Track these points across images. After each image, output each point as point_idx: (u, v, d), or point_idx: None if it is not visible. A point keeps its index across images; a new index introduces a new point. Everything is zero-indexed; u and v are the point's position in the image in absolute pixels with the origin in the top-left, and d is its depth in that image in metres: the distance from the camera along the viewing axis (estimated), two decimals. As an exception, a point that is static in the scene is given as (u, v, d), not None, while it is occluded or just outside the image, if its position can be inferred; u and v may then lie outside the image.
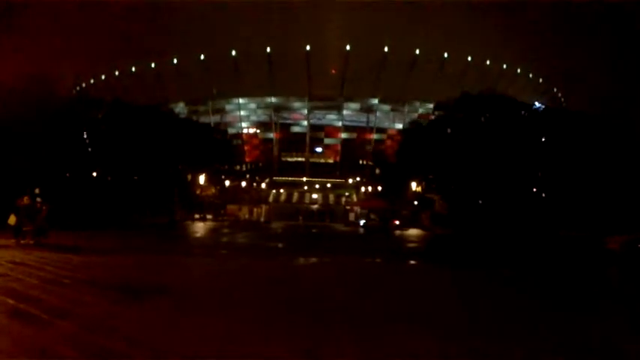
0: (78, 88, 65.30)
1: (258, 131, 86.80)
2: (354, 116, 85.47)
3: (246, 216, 65.17)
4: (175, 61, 79.66)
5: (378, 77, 76.99)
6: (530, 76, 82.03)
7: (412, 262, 17.64)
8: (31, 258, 13.52)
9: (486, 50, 77.23)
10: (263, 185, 76.29)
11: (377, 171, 63.32)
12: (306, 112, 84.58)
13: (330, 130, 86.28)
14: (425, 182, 48.35)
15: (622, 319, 8.29)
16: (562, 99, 79.42)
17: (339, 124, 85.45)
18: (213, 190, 59.05)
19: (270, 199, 75.92)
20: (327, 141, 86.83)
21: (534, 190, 39.15)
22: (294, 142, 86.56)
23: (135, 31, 69.39)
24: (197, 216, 54.23)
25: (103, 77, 78.86)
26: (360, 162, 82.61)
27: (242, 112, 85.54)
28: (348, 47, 75.62)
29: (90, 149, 38.77)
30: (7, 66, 27.40)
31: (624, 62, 67.39)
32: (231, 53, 77.47)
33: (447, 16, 74.18)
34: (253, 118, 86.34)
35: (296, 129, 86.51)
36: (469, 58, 78.00)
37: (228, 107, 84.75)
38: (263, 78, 78.06)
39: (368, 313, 8.01)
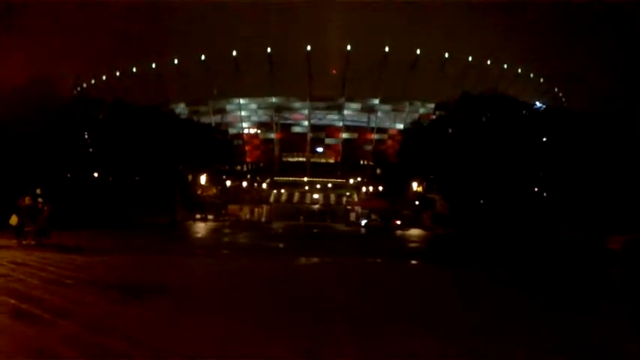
0: (79, 88, 65.36)
1: (259, 131, 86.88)
2: (354, 116, 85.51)
3: (247, 216, 65.27)
4: (176, 61, 79.76)
5: (379, 77, 77.02)
6: (531, 75, 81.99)
7: (413, 262, 17.65)
8: (32, 258, 13.55)
9: (487, 50, 77.21)
10: (264, 185, 76.34)
11: (378, 171, 63.35)
12: (306, 112, 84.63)
13: (331, 130, 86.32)
14: (426, 182, 48.35)
15: (622, 319, 8.29)
16: (563, 99, 79.35)
17: (340, 124, 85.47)
18: (214, 191, 59.12)
19: (271, 199, 76.00)
20: (327, 141, 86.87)
21: (535, 189, 39.12)
22: (295, 143, 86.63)
23: (136, 32, 69.41)
24: (198, 216, 54.31)
25: (103, 78, 78.99)
26: (361, 162, 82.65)
27: (243, 113, 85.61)
28: (348, 47, 75.66)
29: (91, 149, 38.82)
30: (7, 66, 27.45)
31: (624, 62, 67.29)
32: (231, 54, 77.56)
33: (447, 16, 74.12)
34: (254, 118, 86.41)
35: (297, 129, 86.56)
36: (470, 58, 78.00)
37: (229, 107, 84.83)
38: (264, 78, 78.13)
39: (368, 313, 8.02)
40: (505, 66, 79.63)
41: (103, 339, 5.78)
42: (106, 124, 40.74)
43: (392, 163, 56.12)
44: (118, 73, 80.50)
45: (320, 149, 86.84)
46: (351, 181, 79.32)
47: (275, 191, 78.82)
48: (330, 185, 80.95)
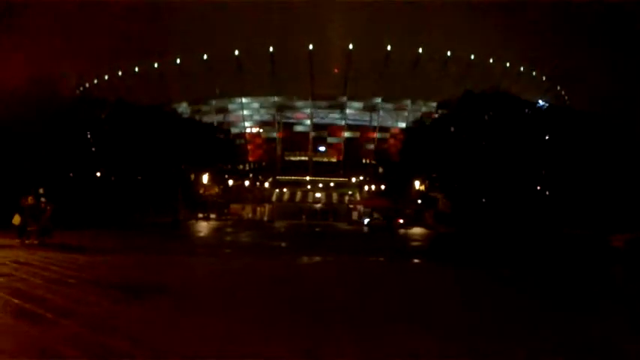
0: (81, 88, 65.45)
1: (261, 130, 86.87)
2: (357, 115, 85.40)
3: (250, 215, 65.27)
4: (178, 60, 79.78)
5: (381, 76, 76.87)
6: (534, 74, 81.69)
7: (416, 260, 17.65)
8: (35, 258, 13.61)
9: (489, 48, 76.98)
10: (266, 184, 76.32)
11: (380, 170, 63.30)
12: (309, 111, 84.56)
13: (333, 129, 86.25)
14: (428, 181, 48.29)
15: (623, 318, 8.28)
16: (566, 97, 79.08)
17: (342, 123, 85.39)
18: (216, 190, 59.16)
19: (274, 198, 76.01)
20: (330, 140, 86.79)
21: (538, 188, 39.05)
22: (297, 142, 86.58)
23: (138, 31, 69.50)
24: (200, 215, 54.37)
25: (105, 77, 79.04)
26: (363, 161, 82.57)
27: (245, 112, 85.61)
28: (350, 46, 75.54)
29: (93, 149, 38.92)
30: (8, 67, 27.49)
31: (624, 62, 67.11)
32: (234, 53, 77.54)
33: (449, 15, 74.00)
34: (256, 117, 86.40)
35: (299, 128, 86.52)
36: (472, 57, 77.75)
37: (231, 107, 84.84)
38: (266, 77, 78.10)
39: (369, 312, 8.03)
40: (507, 64, 79.34)
41: (104, 338, 5.81)
42: (109, 123, 40.82)
43: (394, 161, 56.04)
44: (120, 73, 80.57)
45: (322, 148, 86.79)
46: (354, 179, 79.27)
47: (277, 190, 78.84)
48: (332, 184, 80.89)
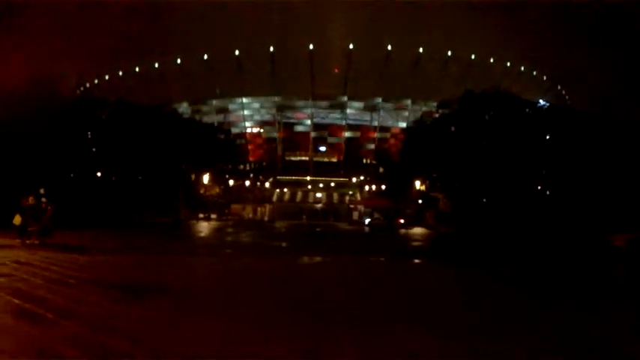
0: (81, 88, 65.51)
1: (261, 130, 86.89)
2: (357, 115, 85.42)
3: (250, 215, 65.32)
4: (179, 61, 79.83)
5: (382, 76, 76.87)
6: (534, 74, 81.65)
7: (416, 260, 17.65)
8: (36, 258, 13.63)
9: (490, 48, 76.95)
10: (267, 184, 76.37)
11: (381, 170, 63.29)
12: (309, 111, 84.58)
13: (334, 129, 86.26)
14: (429, 181, 48.28)
15: (624, 318, 8.27)
16: (566, 97, 79.04)
17: (343, 123, 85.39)
18: (217, 190, 59.20)
19: (274, 198, 76.03)
20: (330, 140, 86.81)
21: (539, 188, 39.03)
22: (298, 142, 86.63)
23: (138, 31, 69.52)
24: (201, 215, 54.41)
25: (106, 77, 79.12)
26: (364, 161, 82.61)
27: (245, 112, 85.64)
28: (351, 46, 75.54)
29: (94, 149, 38.94)
30: (9, 67, 27.51)
31: (624, 62, 67.13)
32: (234, 53, 77.56)
33: (449, 15, 73.95)
34: (257, 117, 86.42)
35: (299, 128, 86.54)
36: (472, 56, 77.73)
37: (231, 107, 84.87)
38: (266, 77, 78.13)
39: (369, 312, 8.04)
40: (508, 64, 79.32)
41: (105, 339, 5.82)
42: (109, 123, 40.85)
43: (395, 161, 56.04)
44: (120, 73, 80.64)
45: (323, 148, 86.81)
46: (354, 179, 79.28)
47: (278, 190, 78.86)
48: (332, 184, 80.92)
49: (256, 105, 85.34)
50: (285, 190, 79.88)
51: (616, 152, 33.74)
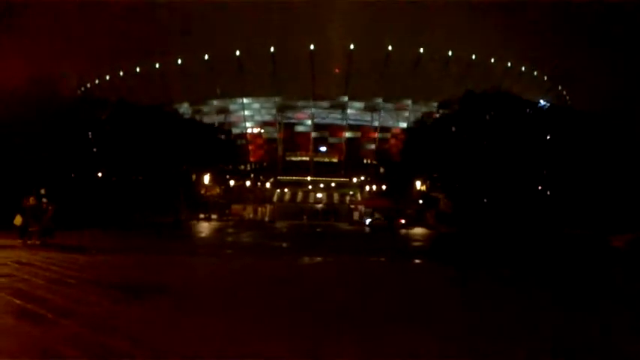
0: (82, 88, 65.58)
1: (262, 131, 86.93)
2: (358, 115, 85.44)
3: (251, 215, 65.30)
4: (179, 61, 79.88)
5: (382, 76, 76.89)
6: (535, 74, 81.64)
7: (417, 261, 17.65)
8: (37, 258, 13.65)
9: (490, 48, 76.97)
10: (267, 185, 76.38)
11: (381, 170, 63.28)
12: (310, 111, 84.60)
13: (334, 130, 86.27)
14: (429, 181, 48.29)
15: (624, 318, 8.27)
16: (567, 97, 79.03)
17: (343, 123, 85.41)
18: (217, 190, 59.22)
19: (275, 198, 76.03)
20: (331, 140, 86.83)
21: (539, 188, 39.03)
22: (298, 142, 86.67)
23: (138, 31, 69.64)
24: (202, 216, 54.40)
25: (107, 78, 79.21)
26: (365, 161, 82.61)
27: (246, 112, 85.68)
28: (351, 46, 75.57)
29: (94, 149, 38.98)
30: (9, 67, 27.54)
31: (624, 62, 67.17)
32: (235, 53, 77.61)
33: (450, 15, 74.04)
34: (257, 117, 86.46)
35: (300, 128, 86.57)
36: (473, 57, 77.73)
37: (232, 107, 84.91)
38: (267, 78, 78.16)
39: (369, 312, 8.04)
40: (508, 64, 79.33)
41: (105, 338, 5.83)
42: (110, 124, 40.89)
43: (395, 161, 56.06)
44: (121, 73, 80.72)
45: (323, 148, 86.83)
46: (355, 180, 79.29)
47: (278, 190, 78.87)
48: (333, 184, 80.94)
49: (257, 105, 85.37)
50: (286, 190, 79.89)
51: (616, 152, 33.75)
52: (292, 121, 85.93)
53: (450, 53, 77.16)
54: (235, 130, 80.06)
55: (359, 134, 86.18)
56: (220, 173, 56.97)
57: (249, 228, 39.74)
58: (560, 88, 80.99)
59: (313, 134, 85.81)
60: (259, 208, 67.72)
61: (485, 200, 39.09)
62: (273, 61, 76.94)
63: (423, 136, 43.78)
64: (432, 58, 76.05)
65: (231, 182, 62.81)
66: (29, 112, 29.09)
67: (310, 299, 9.09)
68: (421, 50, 76.12)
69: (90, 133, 39.24)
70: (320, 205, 74.80)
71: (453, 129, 41.18)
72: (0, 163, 27.87)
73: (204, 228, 38.43)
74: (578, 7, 68.91)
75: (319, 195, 79.92)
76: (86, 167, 37.13)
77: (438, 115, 48.01)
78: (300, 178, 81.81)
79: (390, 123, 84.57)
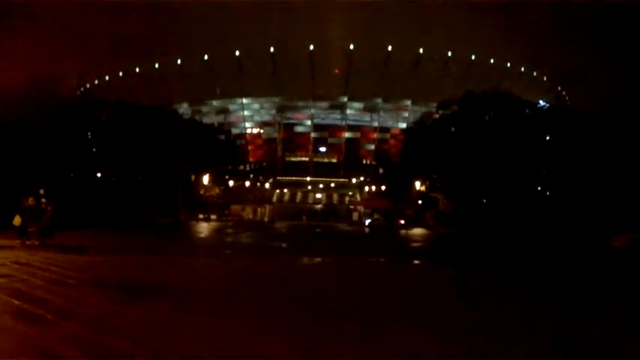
0: (82, 89, 65.55)
1: (261, 131, 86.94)
2: (357, 116, 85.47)
3: (250, 216, 65.25)
4: (179, 61, 79.87)
5: (382, 76, 76.93)
6: (535, 74, 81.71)
7: (416, 261, 17.64)
8: (36, 259, 13.62)
9: (490, 49, 77.03)
10: (267, 185, 76.38)
11: (380, 170, 63.29)
12: (309, 111, 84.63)
13: (334, 130, 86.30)
14: (429, 181, 48.28)
15: (624, 318, 8.27)
16: (566, 97, 79.10)
17: (343, 123, 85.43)
18: (217, 190, 59.18)
19: (274, 199, 76.03)
20: (330, 140, 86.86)
21: (539, 188, 39.04)
22: (298, 142, 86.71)
23: (138, 32, 69.64)
24: (201, 216, 54.33)
25: (106, 78, 79.18)
26: (364, 161, 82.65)
27: (245, 112, 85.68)
28: (351, 46, 75.60)
29: (94, 150, 38.95)
30: (9, 67, 27.58)
31: (624, 62, 67.29)
32: (234, 53, 77.61)
33: (450, 15, 74.08)
34: (257, 118, 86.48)
35: (299, 129, 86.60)
36: (473, 57, 77.78)
37: (231, 107, 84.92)
38: (266, 78, 78.17)
39: (369, 313, 8.03)
40: (508, 64, 79.39)
41: (104, 339, 5.82)
42: (109, 124, 40.84)
43: (395, 162, 56.06)
44: (121, 74, 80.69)
45: (323, 149, 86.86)
46: (354, 180, 79.31)
47: (278, 191, 78.88)
48: (332, 185, 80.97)
49: (256, 105, 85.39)
50: (285, 190, 79.89)
51: (616, 153, 33.76)
52: (292, 121, 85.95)
53: (449, 54, 77.23)
54: (235, 131, 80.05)
55: (358, 135, 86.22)
56: (220, 173, 56.94)
57: (248, 228, 39.71)
58: (559, 88, 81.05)
59: (313, 134, 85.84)
60: (258, 209, 67.66)
61: (484, 201, 39.10)
62: (273, 62, 76.96)
63: (422, 137, 43.78)
64: (431, 59, 76.11)
65: (231, 182, 62.78)
66: (29, 112, 29.07)
67: (310, 299, 9.08)
68: (421, 51, 76.18)
69: (89, 133, 39.20)
70: (319, 206, 74.79)
71: (453, 129, 41.18)
72: (-1, 163, 27.88)
73: (204, 228, 38.40)
74: (578, 7, 68.98)
75: (318, 195, 79.93)
76: (85, 167, 37.10)
77: (437, 116, 47.98)
78: (300, 178, 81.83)
79: (389, 123, 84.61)
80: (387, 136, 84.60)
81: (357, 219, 60.29)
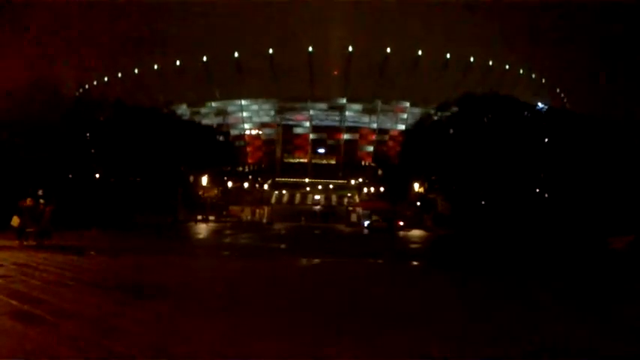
0: (81, 90, 65.51)
1: (260, 132, 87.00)
2: (356, 117, 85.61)
3: (249, 217, 65.27)
4: (178, 62, 79.90)
5: (380, 78, 77.05)
6: (533, 76, 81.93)
7: (414, 263, 17.65)
8: (34, 259, 13.58)
9: (489, 50, 77.18)
10: (265, 186, 76.45)
11: (379, 172, 63.39)
12: (308, 113, 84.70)
13: (333, 131, 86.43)
14: (427, 183, 48.35)
15: (624, 319, 8.28)
16: (565, 99, 79.32)
17: (342, 125, 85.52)
18: (215, 192, 59.20)
19: (273, 200, 76.06)
20: (329, 142, 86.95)
21: (537, 190, 39.10)
22: (297, 144, 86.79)
23: (137, 33, 69.61)
24: (199, 217, 54.33)
25: (105, 79, 79.15)
26: (363, 163, 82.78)
27: (244, 114, 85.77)
28: (350, 48, 75.74)
29: (93, 151, 38.93)
30: (9, 67, 27.54)
31: (624, 62, 67.43)
32: (233, 55, 77.68)
33: (448, 17, 74.15)
34: (256, 119, 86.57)
35: (298, 130, 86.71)
36: (471, 59, 77.98)
37: (230, 109, 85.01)
38: (265, 79, 78.25)
39: (369, 313, 8.03)
40: (507, 66, 79.61)
41: (103, 340, 5.80)
42: (108, 125, 40.85)
43: (393, 163, 56.18)
44: (120, 75, 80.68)
45: (321, 150, 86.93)
46: (353, 182, 79.40)
47: (276, 192, 78.90)
48: (331, 186, 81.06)
49: (255, 107, 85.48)
50: (284, 192, 79.93)
51: (615, 154, 33.83)
52: (290, 122, 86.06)
53: (448, 55, 77.40)
54: (234, 132, 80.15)
55: (357, 136, 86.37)
56: (218, 175, 56.98)
57: (246, 229, 39.69)
58: (558, 90, 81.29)
59: (311, 136, 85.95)
60: (257, 210, 67.70)
61: (483, 202, 39.16)
62: (272, 63, 77.04)
63: (421, 139, 43.86)
64: (430, 61, 76.27)
65: (229, 184, 62.83)
66: (28, 113, 29.05)
67: (309, 300, 9.08)
68: (419, 52, 76.33)
69: (88, 134, 39.19)
70: (318, 207, 74.85)
71: (451, 131, 41.27)
72: (-2, 164, 27.84)
73: (202, 229, 38.38)
74: (578, 7, 69.10)
75: (317, 197, 79.99)
76: (84, 168, 37.08)
77: (436, 118, 48.08)
78: (298, 179, 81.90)
79: (388, 125, 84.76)
80: (386, 137, 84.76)
81: (355, 220, 60.35)
